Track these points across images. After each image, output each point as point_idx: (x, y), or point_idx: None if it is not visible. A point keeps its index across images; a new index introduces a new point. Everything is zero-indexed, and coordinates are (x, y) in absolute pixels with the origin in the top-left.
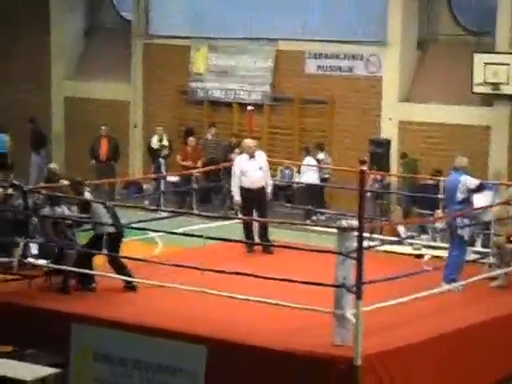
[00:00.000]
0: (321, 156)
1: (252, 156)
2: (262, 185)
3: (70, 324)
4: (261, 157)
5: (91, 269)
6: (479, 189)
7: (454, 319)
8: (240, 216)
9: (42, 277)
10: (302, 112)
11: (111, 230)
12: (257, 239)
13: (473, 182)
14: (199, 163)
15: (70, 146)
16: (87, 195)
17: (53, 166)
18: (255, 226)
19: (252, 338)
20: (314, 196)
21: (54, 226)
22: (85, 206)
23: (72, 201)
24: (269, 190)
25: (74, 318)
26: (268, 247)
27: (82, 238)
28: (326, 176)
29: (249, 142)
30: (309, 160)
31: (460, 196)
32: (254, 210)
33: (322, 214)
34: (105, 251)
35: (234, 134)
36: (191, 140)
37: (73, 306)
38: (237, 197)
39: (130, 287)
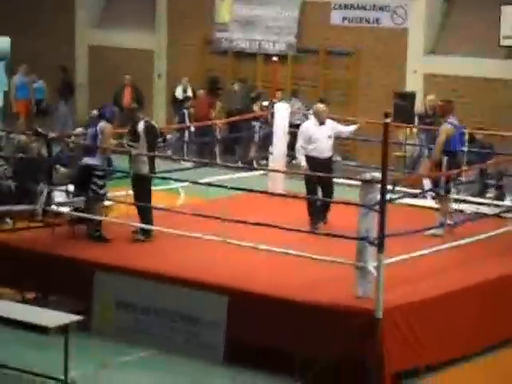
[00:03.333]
0: (296, 104)
1: (322, 122)
2: (330, 155)
3: (93, 272)
4: (330, 124)
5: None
6: None
7: (477, 272)
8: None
9: (65, 225)
10: (327, 63)
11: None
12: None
13: None
14: (213, 114)
15: (93, 94)
16: (141, 124)
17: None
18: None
19: (274, 289)
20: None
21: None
22: (135, 136)
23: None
24: (352, 128)
25: (97, 267)
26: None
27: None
28: (298, 122)
29: (320, 106)
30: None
31: None
32: (318, 185)
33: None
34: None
35: (254, 86)
36: (200, 92)
37: (96, 254)
38: (303, 162)
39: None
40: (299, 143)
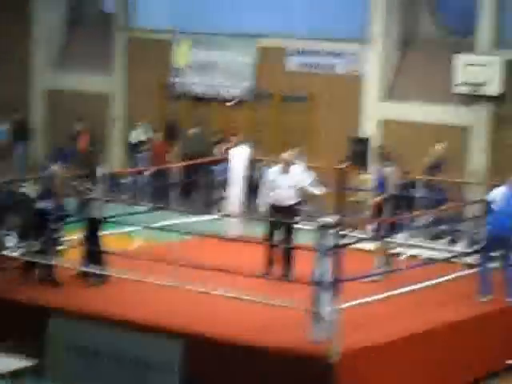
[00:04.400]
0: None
1: (286, 171)
2: (291, 203)
3: (47, 316)
4: (297, 171)
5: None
6: None
7: (429, 318)
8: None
9: (18, 269)
10: (283, 109)
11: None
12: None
13: None
14: (167, 158)
15: (51, 137)
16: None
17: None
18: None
19: (228, 333)
20: None
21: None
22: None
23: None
24: (317, 190)
25: (50, 311)
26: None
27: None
28: None
29: (284, 155)
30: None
31: None
32: (278, 231)
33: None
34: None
35: (216, 131)
36: (156, 136)
37: (50, 298)
38: (261, 208)
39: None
40: (262, 189)
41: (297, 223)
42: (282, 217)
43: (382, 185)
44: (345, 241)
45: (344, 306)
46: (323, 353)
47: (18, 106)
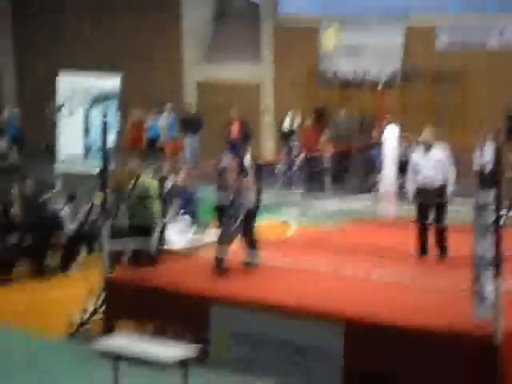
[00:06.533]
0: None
1: (428, 149)
2: (438, 184)
3: (209, 306)
4: (440, 150)
5: None
6: None
7: None
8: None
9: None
10: (435, 89)
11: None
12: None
13: None
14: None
15: (203, 129)
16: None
17: None
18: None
19: (389, 316)
20: None
21: None
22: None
23: None
24: (450, 189)
25: (212, 301)
26: (443, 253)
27: None
28: None
29: (425, 131)
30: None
31: None
32: (430, 213)
33: None
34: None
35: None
36: (307, 123)
37: (211, 288)
38: (410, 195)
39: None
40: (408, 174)
41: (447, 203)
42: (431, 198)
43: None
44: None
45: (507, 285)
46: (487, 332)
47: (169, 99)
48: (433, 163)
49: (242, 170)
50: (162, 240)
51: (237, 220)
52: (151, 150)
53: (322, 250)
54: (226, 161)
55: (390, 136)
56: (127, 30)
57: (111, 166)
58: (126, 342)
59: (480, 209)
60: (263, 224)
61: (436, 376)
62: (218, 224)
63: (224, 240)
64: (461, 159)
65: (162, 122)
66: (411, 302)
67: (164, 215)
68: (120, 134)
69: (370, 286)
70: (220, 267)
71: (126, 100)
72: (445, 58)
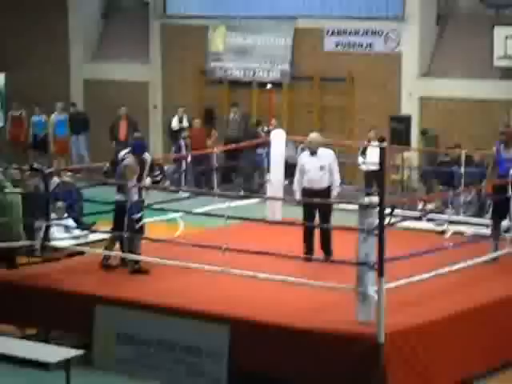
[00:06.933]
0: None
1: (313, 153)
2: (323, 186)
3: (93, 306)
4: (325, 154)
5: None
6: None
7: (476, 295)
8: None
9: (64, 259)
10: (322, 90)
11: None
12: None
13: None
14: (209, 143)
15: (90, 128)
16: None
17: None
18: (316, 232)
19: (275, 317)
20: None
21: None
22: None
23: None
24: (334, 193)
25: (96, 300)
26: (327, 256)
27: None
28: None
29: (310, 136)
30: None
31: None
32: (316, 214)
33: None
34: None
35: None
36: (196, 122)
37: (95, 287)
38: (297, 195)
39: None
40: (296, 177)
41: (332, 205)
42: (316, 199)
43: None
44: (388, 219)
45: (390, 285)
46: (370, 333)
47: (56, 97)
48: (318, 167)
49: (142, 169)
50: (46, 239)
51: (136, 220)
52: (36, 146)
53: (209, 251)
54: (128, 160)
55: (278, 139)
56: (11, 28)
57: None
58: (6, 343)
59: (364, 210)
60: (150, 224)
61: (322, 376)
62: (113, 223)
63: (116, 239)
64: (346, 161)
65: (52, 120)
66: (297, 302)
67: (48, 214)
68: (2, 129)
69: (257, 286)
70: (107, 265)
71: (10, 97)
72: (331, 60)
